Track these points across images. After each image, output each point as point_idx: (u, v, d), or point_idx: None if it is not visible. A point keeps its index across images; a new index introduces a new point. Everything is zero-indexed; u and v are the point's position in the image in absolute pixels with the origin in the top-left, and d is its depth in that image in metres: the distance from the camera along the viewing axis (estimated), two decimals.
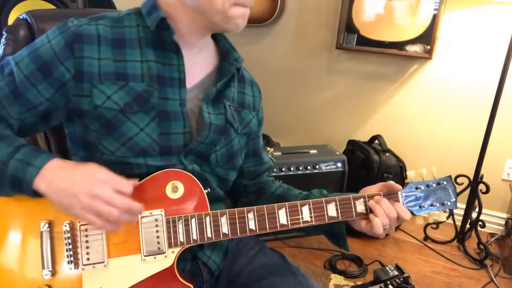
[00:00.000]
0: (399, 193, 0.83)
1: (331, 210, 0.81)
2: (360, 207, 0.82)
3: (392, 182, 0.83)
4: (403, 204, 0.83)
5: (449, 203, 0.87)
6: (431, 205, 0.86)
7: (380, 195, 0.82)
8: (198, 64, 0.85)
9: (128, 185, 0.71)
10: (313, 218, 0.81)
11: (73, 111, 0.77)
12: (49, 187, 0.69)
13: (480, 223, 1.99)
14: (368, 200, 0.81)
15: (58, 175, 0.69)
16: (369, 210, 0.81)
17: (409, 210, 0.83)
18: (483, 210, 1.99)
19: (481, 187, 1.97)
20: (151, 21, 0.78)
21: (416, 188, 0.85)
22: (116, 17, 0.80)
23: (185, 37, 0.81)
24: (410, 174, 0.87)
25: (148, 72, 0.78)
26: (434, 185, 0.86)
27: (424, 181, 0.87)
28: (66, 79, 0.75)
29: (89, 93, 0.75)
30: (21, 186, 0.69)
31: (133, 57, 0.78)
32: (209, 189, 0.81)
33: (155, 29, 0.78)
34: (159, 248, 0.76)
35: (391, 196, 0.83)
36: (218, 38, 0.90)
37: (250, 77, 0.97)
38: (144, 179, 0.77)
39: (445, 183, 0.87)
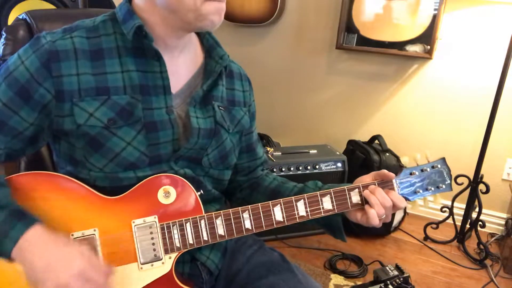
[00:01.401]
0: (394, 180, 0.82)
1: (327, 203, 0.80)
2: (355, 198, 0.81)
3: (385, 171, 0.82)
4: (398, 191, 0.82)
5: (444, 186, 0.86)
6: (426, 189, 0.85)
7: (375, 184, 0.81)
8: (182, 66, 0.82)
9: (101, 276, 0.67)
10: (309, 213, 0.80)
11: (56, 131, 0.75)
12: (24, 262, 0.66)
13: (480, 223, 1.98)
14: (362, 190, 0.81)
15: (33, 252, 0.65)
16: (364, 201, 0.80)
17: (404, 196, 0.82)
18: (483, 210, 1.98)
19: (481, 187, 1.96)
20: (127, 29, 0.75)
21: (411, 174, 0.84)
22: (91, 26, 0.77)
23: (164, 40, 0.77)
24: (404, 159, 0.85)
25: (130, 83, 0.75)
26: (428, 169, 0.85)
27: (418, 166, 0.85)
28: (47, 100, 0.72)
29: (70, 112, 0.72)
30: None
31: (113, 69, 0.75)
32: (201, 191, 0.79)
33: (133, 36, 0.74)
34: (155, 255, 0.75)
35: (386, 184, 0.82)
36: (201, 34, 0.87)
37: (239, 70, 0.94)
38: (135, 186, 0.76)
39: (439, 166, 0.86)
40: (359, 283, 1.75)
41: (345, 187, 0.81)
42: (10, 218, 0.67)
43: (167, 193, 0.77)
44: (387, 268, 1.57)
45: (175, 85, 0.80)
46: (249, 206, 0.79)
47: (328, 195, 0.81)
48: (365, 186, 0.81)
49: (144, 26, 0.74)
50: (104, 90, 0.74)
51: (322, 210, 0.80)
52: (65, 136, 0.75)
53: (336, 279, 1.79)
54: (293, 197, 0.80)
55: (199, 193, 0.79)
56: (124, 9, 0.77)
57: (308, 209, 0.80)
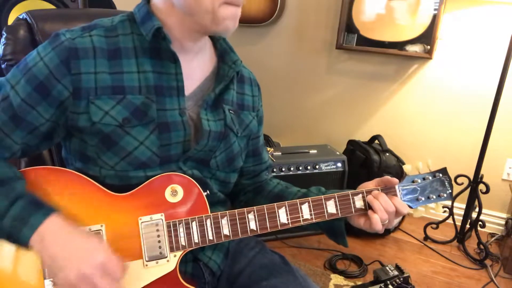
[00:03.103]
0: (397, 187, 0.83)
1: (331, 207, 0.81)
2: (358, 202, 0.82)
3: (388, 177, 0.83)
4: (400, 198, 0.83)
5: (445, 195, 0.88)
6: (428, 197, 0.86)
7: (378, 190, 0.82)
8: (196, 69, 0.83)
9: (120, 272, 0.69)
10: (313, 216, 0.81)
11: (71, 127, 0.76)
12: (43, 250, 0.67)
13: (480, 223, 1.99)
14: (366, 195, 0.82)
15: (54, 241, 0.66)
16: (368, 206, 0.81)
17: (406, 203, 0.83)
18: (483, 210, 1.99)
19: (481, 187, 1.97)
20: (146, 30, 0.75)
21: (413, 182, 0.86)
22: (109, 25, 0.78)
23: (180, 42, 0.78)
24: (407, 167, 0.87)
25: (145, 83, 0.76)
26: (430, 178, 0.87)
27: (420, 174, 0.87)
28: (65, 97, 0.72)
29: (85, 109, 0.73)
30: (17, 242, 0.68)
31: (129, 68, 0.76)
32: (208, 191, 0.80)
33: (151, 38, 0.75)
34: (161, 253, 0.75)
35: (389, 190, 0.83)
36: (215, 38, 0.88)
37: (249, 75, 0.95)
38: (143, 184, 0.77)
39: (440, 175, 0.88)
40: (359, 283, 1.75)
41: (349, 191, 0.82)
42: (29, 207, 0.68)
43: (175, 191, 0.77)
44: (387, 268, 1.57)
45: (188, 87, 0.81)
46: (255, 207, 0.79)
47: (332, 199, 0.81)
48: (369, 192, 0.82)
49: (163, 28, 0.75)
50: (120, 89, 0.75)
51: (326, 214, 0.81)
52: (78, 133, 0.76)
53: (336, 279, 1.79)
54: (297, 200, 0.81)
55: (205, 193, 0.79)
56: (143, 10, 0.77)
57: (312, 212, 0.81)
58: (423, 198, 0.86)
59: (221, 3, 0.72)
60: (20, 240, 0.67)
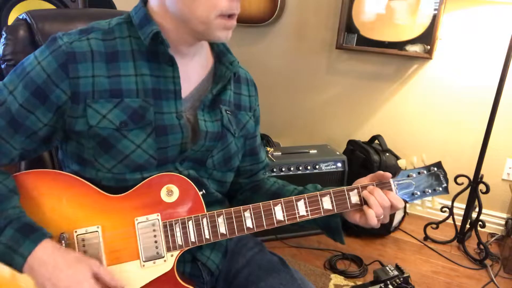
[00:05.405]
0: (391, 181, 0.83)
1: (326, 203, 0.81)
2: (354, 198, 0.82)
3: (381, 172, 0.83)
4: (396, 192, 0.83)
5: (440, 189, 0.87)
6: (424, 192, 0.86)
7: (373, 185, 0.82)
8: (193, 71, 0.83)
9: None
10: (309, 212, 0.81)
11: (68, 131, 0.76)
12: (33, 276, 0.67)
13: (480, 223, 1.99)
14: (361, 191, 0.82)
15: (43, 270, 0.67)
16: (363, 201, 0.81)
17: (402, 198, 0.83)
18: (483, 210, 1.99)
19: (481, 187, 1.96)
20: (144, 34, 0.75)
21: (408, 176, 0.86)
22: (106, 28, 0.77)
23: (177, 46, 0.78)
24: (401, 162, 0.87)
25: (143, 86, 0.76)
26: (425, 172, 0.87)
27: (415, 168, 0.87)
28: (63, 102, 0.73)
29: (83, 113, 0.73)
30: (10, 267, 0.68)
31: (127, 72, 0.75)
32: (204, 191, 0.80)
33: (149, 42, 0.75)
34: (157, 253, 0.76)
35: (384, 185, 0.83)
36: None
37: (245, 75, 0.95)
38: (139, 185, 0.77)
39: (435, 169, 0.87)
40: (359, 283, 1.75)
41: (344, 187, 0.82)
42: (19, 234, 0.68)
43: (170, 191, 0.78)
44: (387, 268, 1.57)
45: (185, 89, 0.81)
46: (251, 205, 0.79)
47: (328, 195, 0.81)
48: (364, 187, 0.82)
49: (161, 32, 0.75)
50: (118, 92, 0.75)
51: (322, 210, 0.81)
52: (75, 136, 0.76)
53: (336, 279, 1.79)
54: (293, 197, 0.81)
55: (201, 192, 0.79)
56: (141, 14, 0.77)
57: (308, 209, 0.81)
58: (418, 193, 0.85)
59: (216, 15, 0.72)
60: (14, 266, 0.68)
